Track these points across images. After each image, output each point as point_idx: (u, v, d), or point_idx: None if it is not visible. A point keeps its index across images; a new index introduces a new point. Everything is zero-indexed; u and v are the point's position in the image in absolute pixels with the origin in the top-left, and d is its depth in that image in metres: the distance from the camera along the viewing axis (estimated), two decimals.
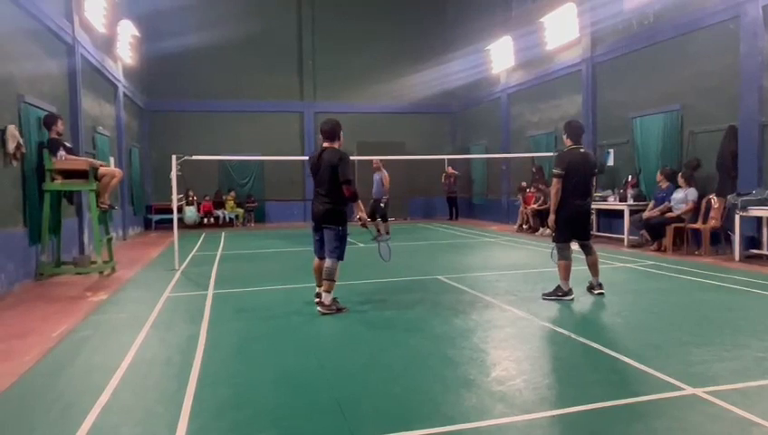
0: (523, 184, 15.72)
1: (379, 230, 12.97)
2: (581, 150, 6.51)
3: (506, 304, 6.24)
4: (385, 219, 13.37)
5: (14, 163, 7.68)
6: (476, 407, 3.44)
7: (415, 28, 20.93)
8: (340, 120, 6.18)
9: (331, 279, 5.89)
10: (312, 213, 6.16)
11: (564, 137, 6.64)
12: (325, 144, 6.08)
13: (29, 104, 8.25)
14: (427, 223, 19.07)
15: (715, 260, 9.12)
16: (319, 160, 6.01)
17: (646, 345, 4.61)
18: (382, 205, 13.22)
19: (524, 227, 14.90)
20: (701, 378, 3.77)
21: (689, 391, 3.57)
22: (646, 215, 10.76)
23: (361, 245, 11.64)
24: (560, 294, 6.37)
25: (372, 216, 13.03)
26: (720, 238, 9.75)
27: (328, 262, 5.92)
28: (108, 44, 13.59)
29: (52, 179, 8.17)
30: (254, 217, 19.55)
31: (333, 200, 5.92)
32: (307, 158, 6.74)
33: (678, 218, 10.14)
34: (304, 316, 5.88)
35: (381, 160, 13.54)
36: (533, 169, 15.13)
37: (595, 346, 4.56)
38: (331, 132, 6.06)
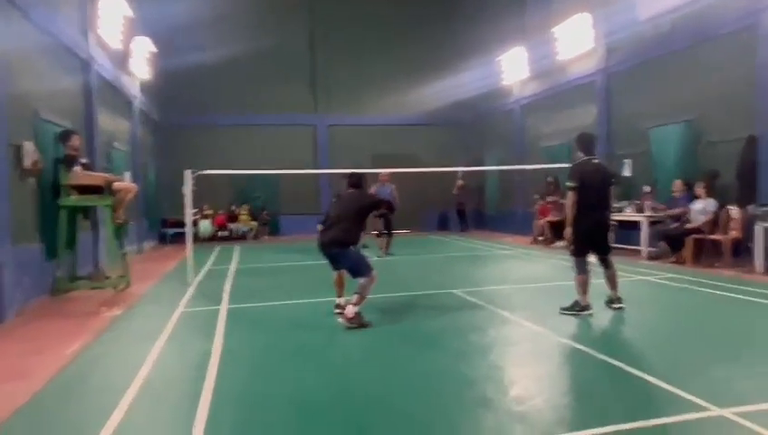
0: (535, 196, 15.58)
1: (388, 245, 12.84)
2: (595, 162, 6.40)
3: (524, 319, 6.13)
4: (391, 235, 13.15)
5: (31, 180, 7.74)
6: (495, 428, 3.35)
7: (427, 40, 20.93)
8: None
9: (362, 294, 5.88)
10: (320, 243, 6.24)
11: (576, 149, 6.56)
12: (350, 190, 6.52)
13: (45, 120, 8.33)
14: (441, 235, 18.96)
15: (736, 272, 8.92)
16: (340, 199, 6.55)
17: (669, 362, 4.49)
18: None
19: (540, 238, 14.74)
20: (728, 397, 3.64)
21: (716, 411, 3.44)
22: (673, 226, 10.60)
23: (375, 258, 11.57)
24: (577, 309, 6.24)
25: (389, 232, 12.85)
26: (741, 250, 9.54)
27: (362, 280, 5.94)
28: (123, 60, 13.74)
29: (68, 195, 8.20)
30: (267, 230, 19.58)
31: (348, 233, 6.10)
32: (320, 172, 7.19)
33: (698, 230, 9.96)
34: (320, 331, 5.82)
35: (391, 173, 13.29)
36: (548, 180, 14.98)
37: (616, 364, 4.43)
38: (357, 182, 6.55)
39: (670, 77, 11.51)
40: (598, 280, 6.64)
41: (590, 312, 6.21)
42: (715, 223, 9.88)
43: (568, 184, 6.29)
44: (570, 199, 6.24)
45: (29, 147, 7.58)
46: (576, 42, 14.45)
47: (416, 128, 21.17)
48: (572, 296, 6.34)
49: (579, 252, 6.30)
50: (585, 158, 6.39)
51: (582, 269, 6.27)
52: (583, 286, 6.24)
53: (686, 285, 7.97)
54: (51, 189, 8.21)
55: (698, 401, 3.60)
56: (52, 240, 8.15)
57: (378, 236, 12.93)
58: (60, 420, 3.66)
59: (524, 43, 17.16)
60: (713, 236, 9.74)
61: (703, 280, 8.27)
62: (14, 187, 7.16)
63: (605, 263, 6.42)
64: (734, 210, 9.55)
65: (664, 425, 3.30)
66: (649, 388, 3.92)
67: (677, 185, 10.66)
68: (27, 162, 7.51)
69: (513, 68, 17.98)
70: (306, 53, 20.63)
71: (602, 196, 6.35)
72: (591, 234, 6.28)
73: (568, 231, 6.35)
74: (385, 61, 20.54)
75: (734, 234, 9.47)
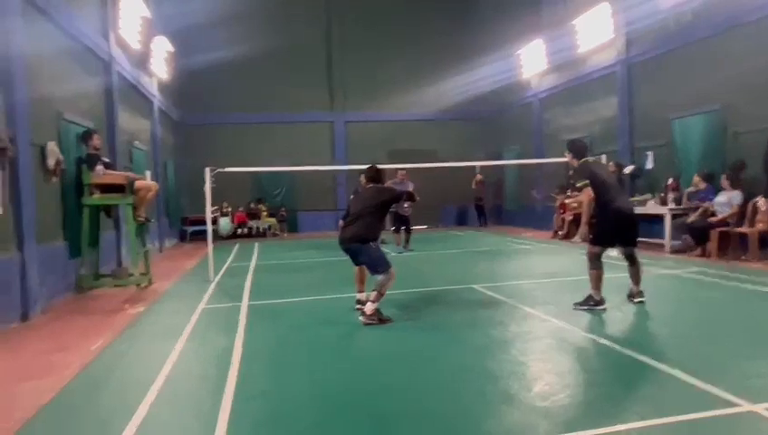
0: (555, 192, 15.40)
1: (407, 240, 12.78)
2: (593, 158, 6.59)
3: (546, 313, 6.06)
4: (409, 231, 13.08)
5: (54, 179, 7.85)
6: (519, 424, 3.31)
7: (444, 35, 20.80)
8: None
9: (380, 292, 5.87)
10: (341, 238, 6.24)
11: (570, 157, 6.45)
12: (369, 185, 6.48)
13: (68, 121, 8.44)
14: (460, 230, 18.87)
15: (764, 266, 8.71)
16: (360, 195, 6.53)
17: (696, 358, 4.39)
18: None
19: (560, 233, 14.57)
20: (760, 393, 3.54)
21: (747, 407, 3.36)
22: (691, 219, 10.39)
23: (393, 254, 11.54)
24: (591, 303, 6.14)
25: (407, 228, 12.79)
26: None
27: (379, 277, 5.94)
28: (143, 61, 13.87)
29: (91, 194, 8.30)
30: (286, 227, 19.66)
31: (368, 229, 6.07)
32: (338, 168, 7.25)
33: (723, 222, 9.75)
34: (341, 327, 5.81)
35: (408, 171, 13.15)
36: (570, 174, 14.78)
37: (642, 359, 4.35)
38: (375, 176, 6.52)
39: (694, 66, 11.28)
40: (616, 274, 6.54)
41: (604, 307, 6.10)
42: (742, 215, 9.68)
43: (579, 184, 6.27)
44: (587, 196, 6.15)
45: (52, 147, 7.69)
46: (595, 32, 14.24)
47: (433, 123, 21.08)
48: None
49: (601, 242, 6.17)
50: (584, 159, 6.38)
51: (597, 264, 6.15)
52: (597, 281, 6.14)
53: (713, 279, 7.81)
54: (74, 189, 8.33)
55: (728, 396, 3.51)
56: (75, 238, 8.27)
57: (395, 232, 12.89)
58: (86, 415, 3.70)
59: (542, 36, 16.96)
60: (739, 229, 9.54)
61: (730, 274, 8.09)
62: (38, 186, 7.27)
63: (630, 259, 6.28)
64: (761, 202, 9.34)
65: (693, 421, 3.22)
66: (677, 383, 3.83)
67: (696, 179, 10.48)
68: (50, 162, 7.61)
69: (531, 61, 17.79)
70: (323, 50, 20.64)
71: (617, 185, 6.42)
72: (620, 224, 6.11)
73: (583, 229, 6.31)
74: (402, 56, 20.45)
75: (761, 226, 9.26)
